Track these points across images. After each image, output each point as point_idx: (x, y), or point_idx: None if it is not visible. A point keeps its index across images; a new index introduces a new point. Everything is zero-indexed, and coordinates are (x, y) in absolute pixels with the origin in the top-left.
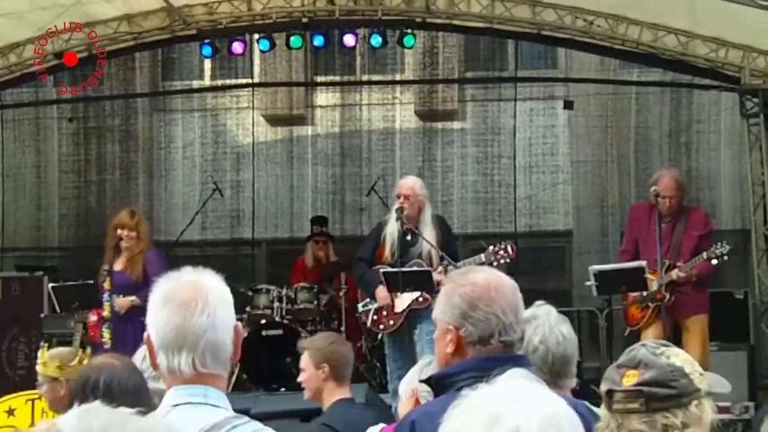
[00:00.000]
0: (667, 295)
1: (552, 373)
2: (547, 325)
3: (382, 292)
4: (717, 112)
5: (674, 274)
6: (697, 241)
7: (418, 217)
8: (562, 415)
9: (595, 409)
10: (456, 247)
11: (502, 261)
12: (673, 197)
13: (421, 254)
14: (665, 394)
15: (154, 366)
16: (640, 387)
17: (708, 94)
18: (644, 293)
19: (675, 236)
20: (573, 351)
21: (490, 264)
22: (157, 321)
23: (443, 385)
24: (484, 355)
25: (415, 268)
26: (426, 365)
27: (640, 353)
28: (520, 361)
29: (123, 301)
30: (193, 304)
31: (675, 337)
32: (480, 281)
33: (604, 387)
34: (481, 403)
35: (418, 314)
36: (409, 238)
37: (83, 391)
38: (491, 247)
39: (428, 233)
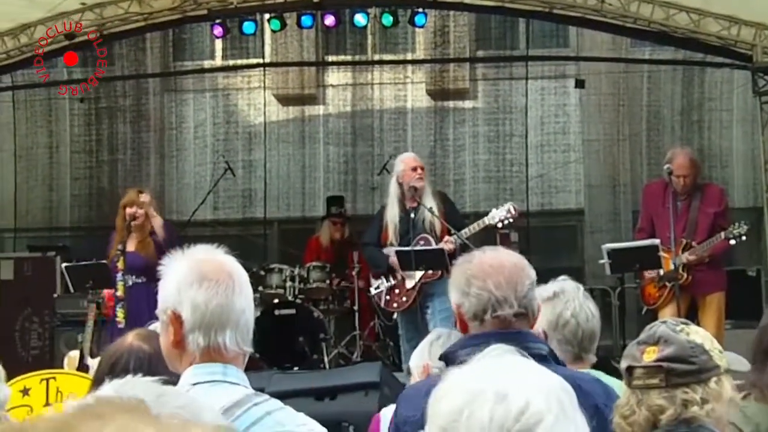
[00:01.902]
0: (685, 275)
1: (580, 348)
2: (577, 301)
3: (395, 260)
4: (729, 90)
5: (684, 257)
6: (713, 218)
7: (422, 189)
8: (562, 388)
9: (606, 378)
10: (461, 218)
11: (506, 221)
12: (688, 175)
13: (424, 224)
14: (685, 369)
15: (177, 344)
16: (660, 362)
17: (720, 72)
18: (661, 272)
19: (691, 214)
20: (598, 328)
21: (495, 226)
22: (193, 300)
23: (448, 361)
24: (480, 331)
25: (426, 246)
26: (435, 340)
27: (660, 330)
28: (516, 337)
29: None
30: (231, 283)
31: (691, 315)
32: (477, 259)
33: (624, 364)
34: (479, 380)
35: (430, 291)
36: (412, 215)
37: (111, 372)
38: (494, 210)
39: (431, 203)
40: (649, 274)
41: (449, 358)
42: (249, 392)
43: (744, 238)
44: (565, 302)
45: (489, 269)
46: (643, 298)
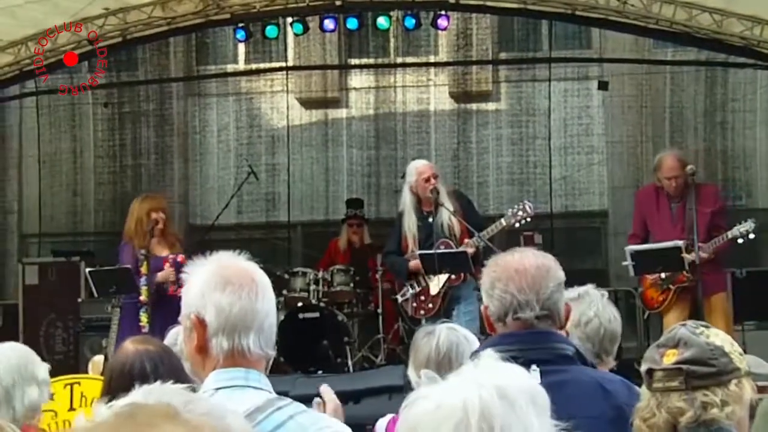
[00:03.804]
0: (690, 276)
1: (600, 347)
2: (601, 303)
3: (414, 263)
4: (752, 90)
5: (702, 255)
6: (710, 218)
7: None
8: (513, 387)
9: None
10: (479, 216)
11: (522, 221)
12: (679, 176)
13: (442, 227)
14: (705, 372)
15: (200, 349)
16: (680, 365)
17: (743, 72)
18: (663, 276)
19: (687, 216)
20: (620, 332)
21: (512, 225)
22: (218, 304)
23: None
24: (506, 332)
25: (448, 250)
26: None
27: (680, 332)
28: (540, 337)
29: (166, 272)
30: (254, 287)
31: (696, 317)
32: (503, 261)
33: (644, 367)
34: (432, 392)
35: (456, 294)
36: (430, 219)
37: (130, 378)
38: (510, 210)
39: (448, 205)
40: (649, 277)
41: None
42: (271, 396)
43: (752, 236)
44: (589, 302)
45: (513, 273)
46: (645, 302)
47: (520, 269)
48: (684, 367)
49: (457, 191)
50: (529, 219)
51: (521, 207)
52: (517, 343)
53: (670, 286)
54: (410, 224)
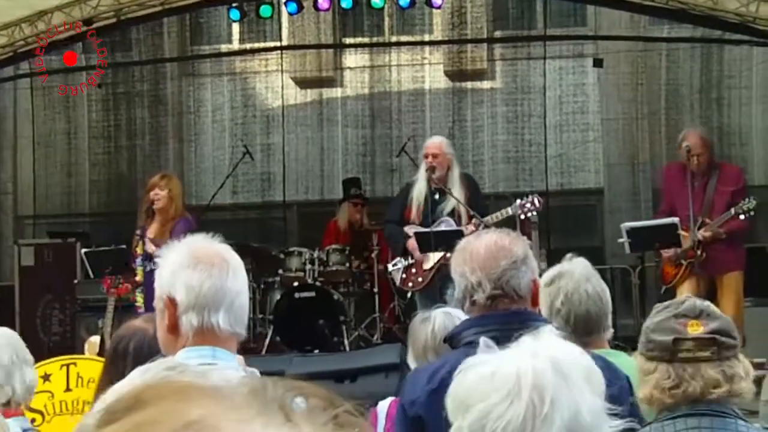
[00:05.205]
0: (698, 252)
1: (576, 332)
2: (571, 285)
3: (412, 243)
4: (748, 67)
5: (700, 234)
6: (730, 197)
7: (447, 176)
8: (569, 362)
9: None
10: (484, 203)
11: (529, 214)
12: (702, 154)
13: (446, 206)
14: (731, 343)
15: (171, 329)
16: (713, 335)
17: (739, 49)
18: (678, 251)
19: (707, 193)
20: (597, 308)
21: (519, 217)
22: (188, 282)
23: (453, 342)
24: (477, 314)
25: (445, 227)
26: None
27: (698, 304)
28: (515, 317)
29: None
30: (225, 266)
31: (710, 294)
32: (460, 246)
33: (666, 337)
34: (485, 362)
35: (449, 272)
36: (437, 197)
37: (114, 353)
38: (518, 201)
39: (457, 191)
40: (666, 253)
41: (453, 340)
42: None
43: (753, 213)
44: (558, 288)
45: (467, 256)
46: (662, 278)
47: (472, 251)
48: (717, 337)
49: (468, 175)
50: (536, 212)
51: (530, 200)
52: (490, 325)
53: (682, 261)
54: (419, 193)
